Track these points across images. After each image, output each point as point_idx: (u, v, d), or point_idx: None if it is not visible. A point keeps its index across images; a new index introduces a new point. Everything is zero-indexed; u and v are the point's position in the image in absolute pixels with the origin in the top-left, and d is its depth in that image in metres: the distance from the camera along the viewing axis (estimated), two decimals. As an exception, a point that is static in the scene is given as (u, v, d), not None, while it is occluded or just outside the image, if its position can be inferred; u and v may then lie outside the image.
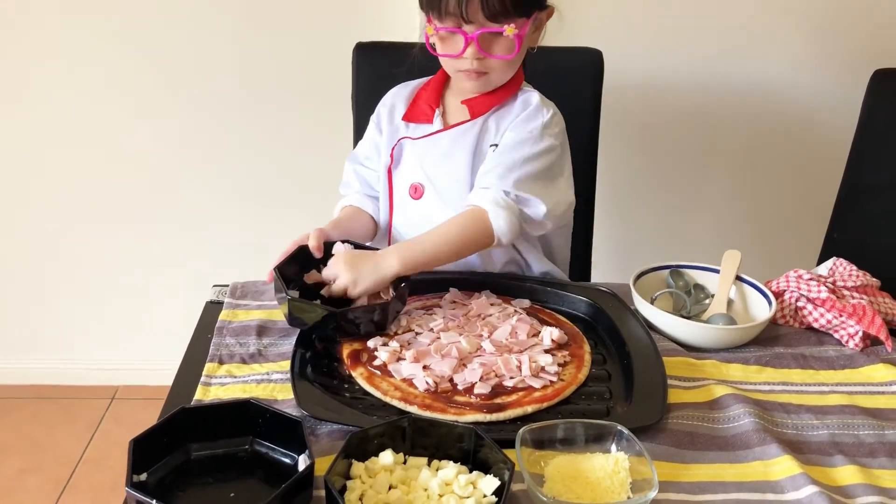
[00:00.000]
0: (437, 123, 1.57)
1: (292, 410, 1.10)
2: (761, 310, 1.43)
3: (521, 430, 1.04)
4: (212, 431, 1.06)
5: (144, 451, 1.00)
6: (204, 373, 1.24)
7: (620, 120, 2.20)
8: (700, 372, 1.29)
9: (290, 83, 2.36)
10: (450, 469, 1.01)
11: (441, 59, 1.50)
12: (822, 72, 2.34)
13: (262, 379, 1.23)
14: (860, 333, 1.37)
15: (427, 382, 1.17)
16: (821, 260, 1.82)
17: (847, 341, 1.38)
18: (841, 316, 1.39)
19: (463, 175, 1.54)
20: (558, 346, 1.30)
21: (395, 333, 1.31)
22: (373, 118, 1.66)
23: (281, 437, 1.06)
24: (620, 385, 1.24)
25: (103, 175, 2.47)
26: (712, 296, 1.49)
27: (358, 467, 1.00)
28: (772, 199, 2.54)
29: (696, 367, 1.31)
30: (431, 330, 1.31)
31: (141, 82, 2.35)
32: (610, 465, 1.04)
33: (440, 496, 0.97)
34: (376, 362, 1.23)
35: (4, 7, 2.24)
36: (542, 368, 1.22)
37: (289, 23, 2.29)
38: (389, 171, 1.61)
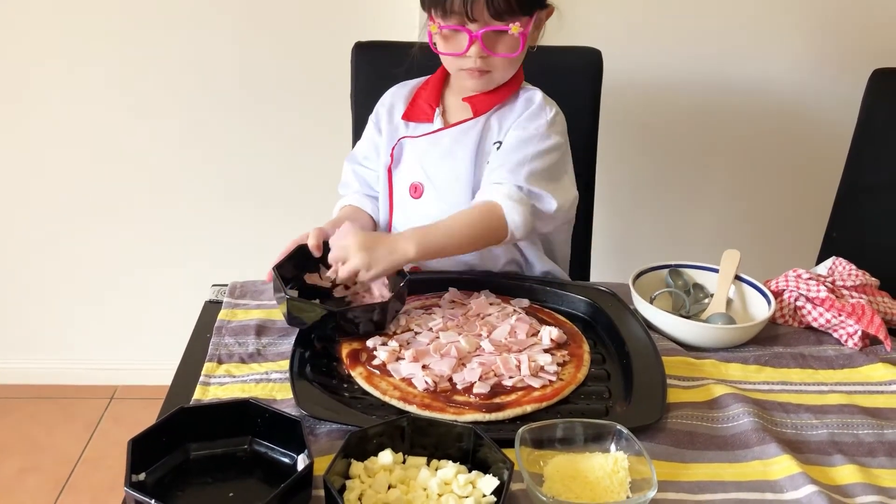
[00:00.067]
0: (438, 122, 1.57)
1: (291, 410, 1.10)
2: (760, 309, 1.43)
3: (520, 430, 1.04)
4: (211, 431, 1.06)
5: (143, 450, 1.00)
6: (203, 372, 1.24)
7: (619, 119, 2.20)
8: (699, 371, 1.29)
9: (289, 83, 2.36)
10: (449, 469, 1.01)
11: (443, 58, 1.51)
12: (821, 71, 2.34)
13: (261, 378, 1.23)
14: (859, 333, 1.37)
15: (426, 382, 1.17)
16: (820, 259, 1.82)
17: (846, 341, 1.39)
18: (840, 315, 1.39)
19: (464, 173, 1.54)
20: (557, 345, 1.30)
21: (395, 333, 1.31)
22: (371, 118, 1.66)
23: (280, 437, 1.06)
24: (620, 384, 1.24)
25: (103, 175, 2.47)
26: (711, 295, 1.49)
27: (357, 467, 1.00)
28: (771, 199, 2.54)
29: (696, 366, 1.31)
30: (430, 329, 1.31)
31: (141, 82, 2.35)
32: (609, 464, 1.04)
33: (439, 496, 0.97)
34: (375, 362, 1.23)
35: (4, 7, 2.24)
36: (542, 368, 1.22)
37: (288, 22, 2.29)
38: (389, 171, 1.61)
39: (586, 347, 1.31)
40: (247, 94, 2.37)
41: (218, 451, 1.06)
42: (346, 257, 1.32)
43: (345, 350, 1.27)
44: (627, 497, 1.00)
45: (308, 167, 2.45)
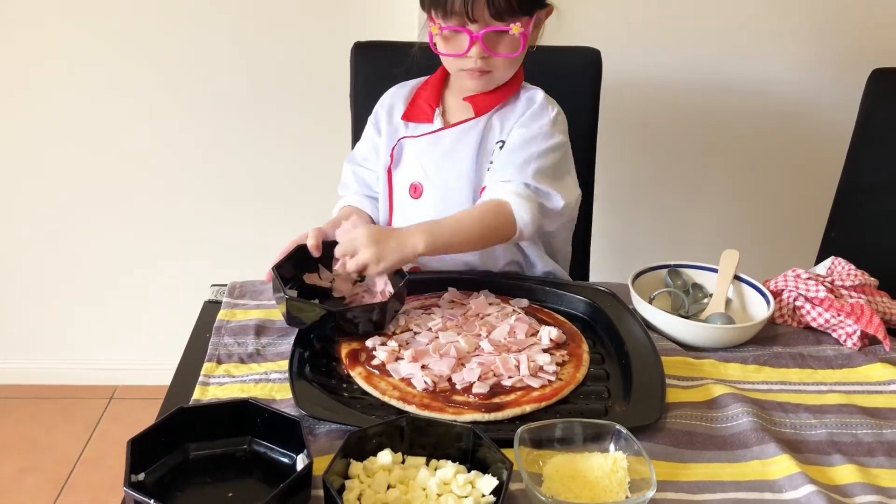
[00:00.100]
0: (438, 122, 1.57)
1: (291, 410, 1.10)
2: (759, 309, 1.43)
3: (519, 430, 1.04)
4: (210, 431, 1.06)
5: (142, 450, 1.00)
6: (202, 372, 1.24)
7: (619, 119, 2.20)
8: (698, 371, 1.29)
9: (289, 83, 2.36)
10: (448, 468, 1.01)
11: (443, 59, 1.51)
12: (821, 71, 2.34)
13: (261, 378, 1.23)
14: (858, 333, 1.37)
15: (425, 382, 1.17)
16: (819, 259, 1.82)
17: (845, 340, 1.39)
18: (839, 315, 1.39)
19: (466, 173, 1.54)
20: (557, 345, 1.30)
21: (394, 333, 1.31)
22: (371, 119, 1.66)
23: (279, 437, 1.06)
24: (619, 384, 1.24)
25: (103, 175, 2.47)
26: (710, 295, 1.49)
27: (356, 467, 1.00)
28: (770, 199, 2.54)
29: (695, 366, 1.31)
30: (430, 329, 1.31)
31: (141, 82, 2.35)
32: (608, 464, 1.04)
33: (438, 496, 0.97)
34: (375, 362, 1.23)
35: (4, 7, 2.24)
36: (541, 368, 1.22)
37: (288, 22, 2.29)
38: (389, 171, 1.61)
39: (585, 347, 1.31)
40: (247, 94, 2.38)
41: (217, 451, 1.06)
42: (355, 250, 1.31)
43: (344, 350, 1.27)
44: (626, 497, 1.00)
45: (308, 167, 2.45)
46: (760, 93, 2.37)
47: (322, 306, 1.28)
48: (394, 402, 1.15)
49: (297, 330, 1.29)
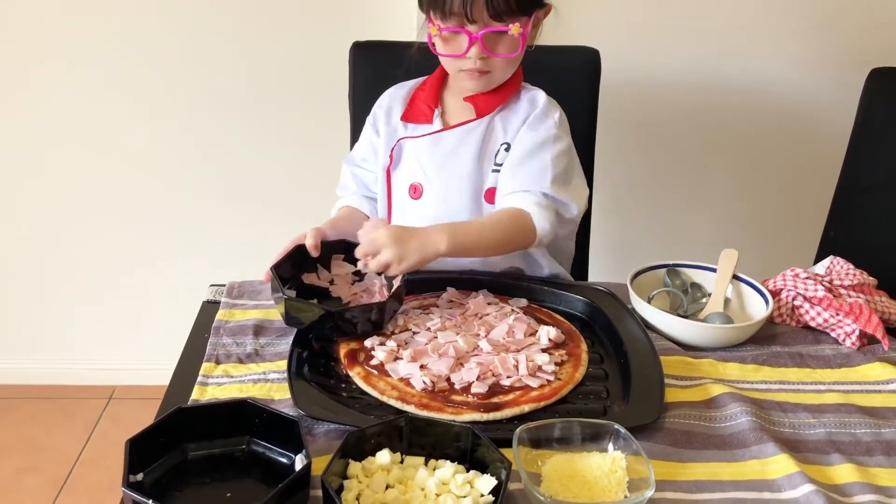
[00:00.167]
0: (437, 123, 1.57)
1: (289, 410, 1.10)
2: (758, 309, 1.43)
3: (518, 430, 1.04)
4: (208, 431, 1.06)
5: (141, 451, 1.00)
6: (200, 373, 1.23)
7: (617, 119, 2.20)
8: (697, 371, 1.29)
9: (289, 83, 2.36)
10: (447, 468, 1.01)
11: (442, 59, 1.51)
12: (819, 71, 2.34)
13: (259, 378, 1.23)
14: (857, 332, 1.37)
15: (424, 382, 1.17)
16: (818, 259, 1.82)
17: (844, 340, 1.39)
18: (838, 315, 1.39)
19: (467, 174, 1.55)
20: (555, 345, 1.30)
21: (393, 333, 1.31)
22: (369, 119, 1.66)
23: (278, 437, 1.06)
24: (617, 384, 1.24)
25: (103, 175, 2.47)
26: (709, 295, 1.49)
27: (355, 467, 1.00)
28: (769, 198, 2.54)
29: (693, 366, 1.31)
30: (429, 329, 1.32)
31: (141, 82, 2.35)
32: (607, 464, 1.04)
33: (437, 496, 0.97)
34: (373, 362, 1.23)
35: (4, 7, 2.24)
36: (540, 367, 1.22)
37: (287, 22, 2.29)
38: (388, 172, 1.61)
39: (584, 347, 1.31)
40: (246, 94, 2.38)
41: (216, 451, 1.06)
42: (378, 250, 1.31)
43: (343, 350, 1.27)
44: (625, 496, 1.00)
45: (307, 167, 2.45)
46: (759, 92, 2.37)
47: (321, 306, 1.29)
48: (392, 402, 1.15)
49: (295, 330, 1.29)
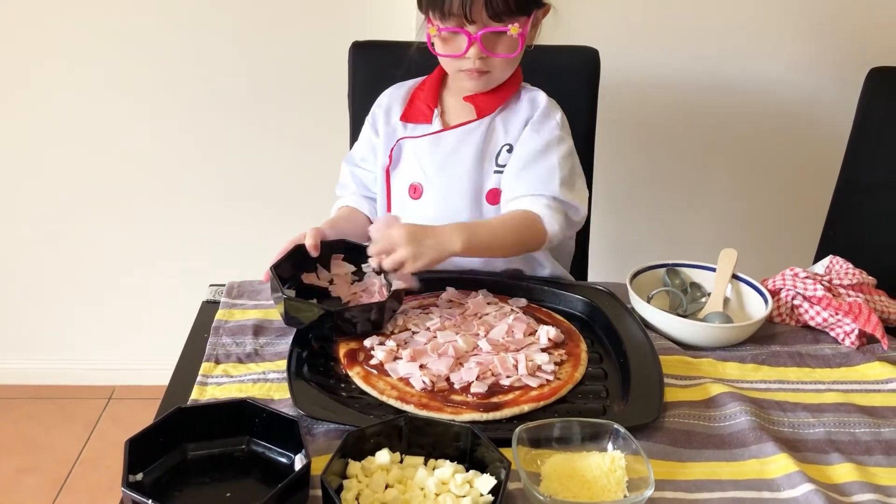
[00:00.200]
0: (437, 123, 1.57)
1: (289, 410, 1.10)
2: (757, 308, 1.43)
3: (517, 429, 1.04)
4: (208, 431, 1.06)
5: (140, 451, 1.00)
6: (200, 372, 1.24)
7: (616, 119, 2.20)
8: (696, 370, 1.29)
9: (288, 83, 2.36)
10: (446, 468, 1.01)
11: (441, 59, 1.51)
12: (818, 71, 2.34)
13: (259, 378, 1.23)
14: (856, 331, 1.37)
15: (424, 381, 1.18)
16: (817, 258, 1.82)
17: (843, 339, 1.39)
18: (837, 314, 1.39)
19: (467, 174, 1.55)
20: (555, 344, 1.30)
21: (392, 332, 1.31)
22: (368, 119, 1.66)
23: (277, 437, 1.06)
24: (617, 384, 1.24)
25: (103, 175, 2.47)
26: (708, 294, 1.49)
27: (354, 466, 1.00)
28: (768, 198, 2.54)
29: (693, 365, 1.31)
30: (428, 329, 1.32)
31: (141, 82, 2.35)
32: (606, 463, 1.04)
33: (437, 495, 0.97)
34: (373, 361, 1.23)
35: (4, 7, 2.24)
36: (539, 367, 1.22)
37: (287, 22, 2.29)
38: (387, 172, 1.61)
39: (584, 346, 1.31)
40: (246, 94, 2.38)
41: (215, 451, 1.06)
42: (392, 248, 1.30)
43: (342, 350, 1.27)
44: (624, 496, 1.00)
45: (307, 167, 2.45)
46: (758, 92, 2.37)
47: (320, 306, 1.29)
48: (392, 402, 1.15)
49: (295, 330, 1.29)
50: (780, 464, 1.07)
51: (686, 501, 1.02)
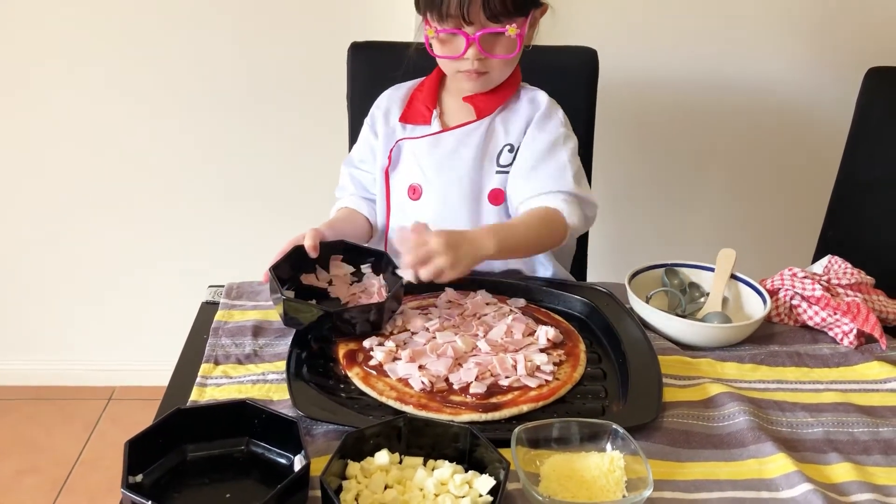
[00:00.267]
0: (436, 124, 1.57)
1: (288, 411, 1.10)
2: (756, 308, 1.44)
3: (516, 430, 1.05)
4: (207, 432, 1.06)
5: (140, 452, 1.00)
6: (199, 374, 1.24)
7: (615, 119, 2.20)
8: (695, 370, 1.30)
9: (288, 83, 2.37)
10: (445, 469, 1.01)
11: (440, 60, 1.51)
12: (817, 70, 2.34)
13: (258, 379, 1.23)
14: (854, 331, 1.37)
15: (423, 382, 1.18)
16: (816, 258, 1.82)
17: (841, 339, 1.39)
18: (835, 314, 1.39)
19: (467, 175, 1.55)
20: (554, 344, 1.30)
21: (391, 333, 1.31)
22: (367, 121, 1.66)
23: (277, 438, 1.06)
24: (616, 384, 1.25)
25: (103, 175, 2.48)
26: (707, 294, 1.49)
27: (354, 467, 1.00)
28: (767, 198, 2.55)
29: (692, 365, 1.31)
30: (427, 329, 1.32)
31: (141, 82, 2.35)
32: (605, 463, 1.04)
33: (436, 496, 0.97)
34: (372, 362, 1.23)
35: (4, 7, 2.25)
36: (538, 367, 1.23)
37: (288, 22, 2.29)
38: (386, 173, 1.61)
39: (583, 347, 1.31)
40: (246, 94, 2.38)
41: (215, 452, 1.06)
42: (429, 257, 1.25)
43: (341, 350, 1.27)
44: (623, 496, 1.00)
45: (306, 167, 2.45)
46: (757, 92, 2.37)
47: (319, 307, 1.29)
48: (391, 403, 1.16)
49: (294, 331, 1.29)
50: (778, 463, 1.07)
51: (685, 501, 1.02)
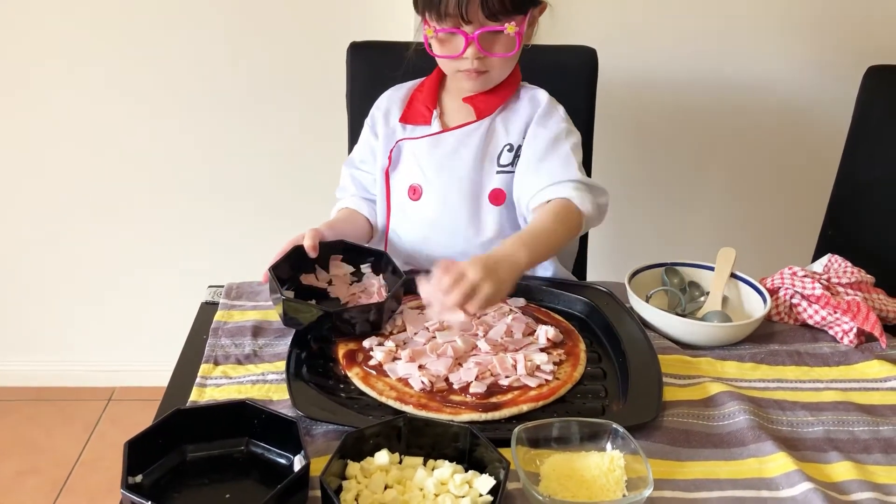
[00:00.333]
0: (436, 125, 1.57)
1: (288, 411, 1.10)
2: (756, 307, 1.44)
3: (516, 429, 1.05)
4: (207, 433, 1.06)
5: (139, 452, 1.00)
6: (199, 374, 1.24)
7: (615, 118, 2.20)
8: (695, 369, 1.30)
9: (288, 83, 2.37)
10: (445, 468, 1.01)
11: (439, 60, 1.51)
12: (816, 69, 2.34)
13: (258, 380, 1.23)
14: (854, 330, 1.37)
15: (422, 382, 1.18)
16: (816, 257, 1.82)
17: (842, 338, 1.39)
18: (835, 313, 1.39)
19: (467, 175, 1.55)
20: (554, 344, 1.30)
21: (391, 333, 1.31)
22: (367, 121, 1.66)
23: (276, 438, 1.06)
24: (616, 383, 1.25)
25: (103, 175, 2.47)
26: (707, 293, 1.49)
27: (353, 467, 1.00)
28: (767, 197, 2.54)
29: (692, 364, 1.31)
30: (427, 329, 1.32)
31: (141, 82, 2.35)
32: (605, 463, 1.04)
33: (436, 496, 0.97)
34: (372, 362, 1.23)
35: (4, 7, 2.25)
36: (538, 367, 1.22)
37: (286, 23, 2.29)
38: (387, 174, 1.61)
39: (582, 346, 1.31)
40: (246, 94, 2.38)
41: (214, 452, 1.07)
42: (473, 290, 1.17)
43: (341, 350, 1.27)
44: (623, 496, 1.00)
45: (307, 167, 2.45)
46: (757, 91, 2.37)
47: (319, 307, 1.29)
48: (391, 403, 1.16)
49: (294, 331, 1.30)
50: (778, 463, 1.07)
51: (685, 501, 1.02)
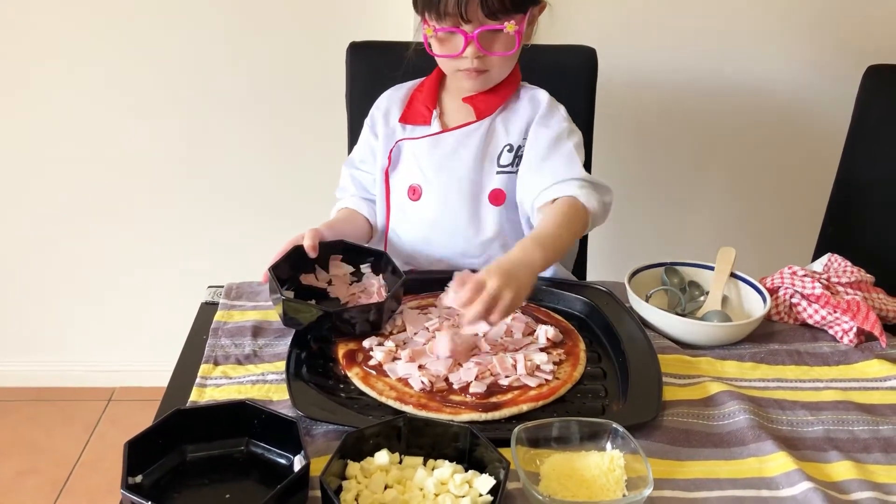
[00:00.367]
0: (436, 125, 1.57)
1: (288, 411, 1.10)
2: (756, 306, 1.43)
3: (516, 429, 1.05)
4: (207, 433, 1.06)
5: (139, 453, 1.00)
6: (199, 374, 1.24)
7: (615, 118, 2.20)
8: (695, 369, 1.30)
9: (288, 83, 2.37)
10: (445, 468, 1.01)
11: (439, 60, 1.51)
12: (816, 68, 2.34)
13: (258, 380, 1.23)
14: (854, 329, 1.37)
15: (422, 382, 1.18)
16: (815, 256, 1.82)
17: (841, 337, 1.39)
18: (835, 312, 1.39)
19: (467, 175, 1.55)
20: (553, 344, 1.30)
21: (391, 333, 1.31)
22: (367, 122, 1.66)
23: (276, 438, 1.06)
24: (615, 383, 1.25)
25: (103, 175, 2.48)
26: (707, 293, 1.49)
27: (353, 467, 1.00)
28: (766, 196, 2.54)
29: (691, 364, 1.31)
30: (427, 329, 1.32)
31: (141, 82, 2.35)
32: (605, 462, 1.04)
33: (436, 496, 0.97)
34: (372, 362, 1.23)
35: (4, 7, 2.25)
36: (538, 367, 1.22)
37: (286, 22, 2.29)
38: (386, 174, 1.61)
39: (582, 346, 1.31)
40: (245, 94, 2.38)
41: (214, 452, 1.06)
42: (496, 298, 1.18)
43: (341, 350, 1.27)
44: (623, 495, 1.00)
45: (306, 167, 2.45)
46: (756, 90, 2.36)
47: (319, 307, 1.29)
48: (391, 403, 1.16)
49: (293, 331, 1.29)
50: (778, 462, 1.07)
51: (685, 500, 1.02)
